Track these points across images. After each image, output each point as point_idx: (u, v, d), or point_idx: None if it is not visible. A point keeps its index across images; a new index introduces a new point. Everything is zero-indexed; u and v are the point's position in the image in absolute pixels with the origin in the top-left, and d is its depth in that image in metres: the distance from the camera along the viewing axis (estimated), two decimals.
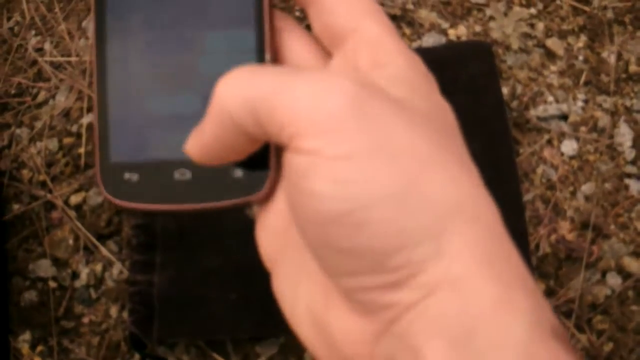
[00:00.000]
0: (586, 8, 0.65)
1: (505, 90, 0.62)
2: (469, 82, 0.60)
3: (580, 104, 0.62)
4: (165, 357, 0.54)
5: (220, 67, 0.27)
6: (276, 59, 0.27)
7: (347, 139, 0.21)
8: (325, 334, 0.24)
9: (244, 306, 0.54)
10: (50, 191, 0.60)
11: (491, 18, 0.65)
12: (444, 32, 0.64)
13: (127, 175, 0.27)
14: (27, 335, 0.56)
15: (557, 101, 0.62)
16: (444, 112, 0.24)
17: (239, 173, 0.26)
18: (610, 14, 0.65)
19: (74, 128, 0.62)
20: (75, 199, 0.60)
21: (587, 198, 0.59)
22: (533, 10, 0.65)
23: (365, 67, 0.25)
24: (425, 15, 0.65)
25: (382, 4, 0.65)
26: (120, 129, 0.27)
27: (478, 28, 0.65)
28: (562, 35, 0.64)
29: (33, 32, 0.66)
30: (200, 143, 0.24)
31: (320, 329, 0.24)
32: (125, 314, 0.56)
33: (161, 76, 0.28)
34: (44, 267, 0.58)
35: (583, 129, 0.61)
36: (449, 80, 0.61)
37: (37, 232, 0.59)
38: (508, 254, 0.22)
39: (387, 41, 0.25)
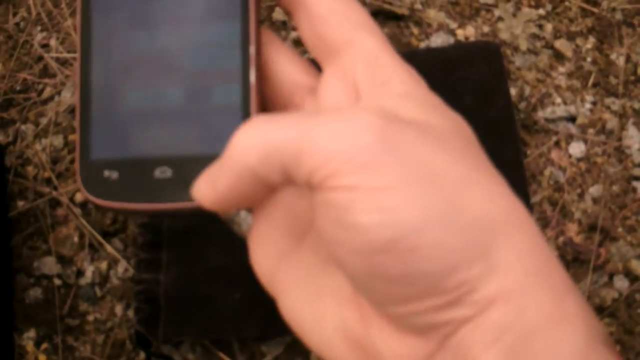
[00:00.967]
0: (595, 9, 0.65)
1: (513, 92, 0.61)
2: (477, 83, 0.60)
3: (588, 105, 0.62)
4: (171, 355, 0.54)
5: (204, 61, 0.27)
6: (260, 54, 0.27)
7: (384, 171, 0.21)
8: (367, 354, 0.23)
9: (250, 305, 0.53)
10: (55, 188, 0.60)
11: (499, 19, 0.65)
12: (452, 33, 0.64)
13: (106, 173, 0.26)
14: (31, 333, 0.55)
15: (565, 103, 0.62)
16: (460, 127, 0.24)
17: None
18: (619, 16, 0.65)
19: None
20: (80, 196, 0.59)
21: (595, 200, 0.59)
22: (542, 11, 0.65)
23: (365, 83, 0.25)
24: (434, 15, 0.65)
25: (390, 4, 0.65)
26: (101, 125, 0.27)
27: (486, 28, 0.64)
28: (571, 37, 0.64)
29: (39, 28, 0.66)
30: (214, 194, 0.24)
31: (358, 350, 0.23)
32: (130, 313, 0.55)
33: (143, 71, 0.27)
34: (49, 265, 0.57)
35: (591, 131, 0.61)
36: (457, 81, 0.61)
37: (42, 229, 0.58)
38: (554, 264, 0.22)
39: (384, 55, 0.25)
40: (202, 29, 0.27)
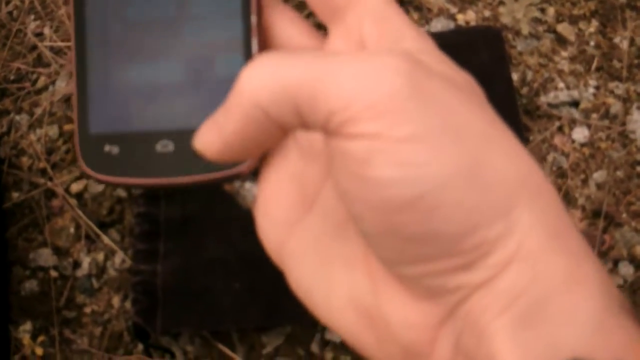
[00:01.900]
0: None
1: (515, 77, 0.60)
2: (479, 69, 0.58)
3: (591, 90, 0.61)
4: (169, 347, 0.53)
5: (204, 31, 0.26)
6: (261, 22, 0.26)
7: (409, 119, 0.19)
8: (377, 323, 0.22)
9: (249, 296, 0.53)
10: (50, 179, 0.59)
11: (501, 3, 0.64)
12: (452, 17, 0.63)
13: (107, 148, 0.26)
14: (28, 326, 0.54)
15: (568, 87, 0.61)
16: (473, 85, 0.23)
17: None
18: None
19: None
20: (76, 187, 0.58)
21: (599, 186, 0.58)
22: None
23: (373, 40, 0.24)
24: (434, 0, 0.64)
25: None
26: (100, 99, 0.26)
27: (487, 13, 0.63)
28: (573, 21, 0.63)
29: (32, 16, 0.65)
30: (220, 140, 0.22)
31: (369, 319, 0.23)
32: (128, 304, 0.55)
33: (142, 42, 0.26)
34: (45, 256, 0.56)
35: (594, 115, 0.60)
36: (458, 66, 0.60)
37: (38, 220, 0.58)
38: (571, 227, 0.21)
39: (391, 13, 0.24)
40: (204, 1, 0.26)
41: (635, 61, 0.62)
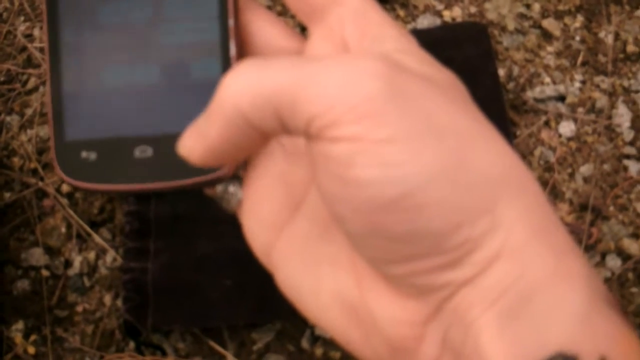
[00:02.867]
0: None
1: (501, 72, 0.61)
2: (465, 64, 0.59)
3: (577, 84, 0.61)
4: (161, 344, 0.54)
5: (180, 35, 0.26)
6: (238, 24, 0.26)
7: (389, 121, 0.20)
8: (363, 320, 0.23)
9: (239, 292, 0.53)
10: (41, 179, 0.59)
11: None
12: (438, 14, 0.64)
13: (84, 154, 0.26)
14: (20, 325, 0.55)
15: (554, 82, 0.61)
16: (455, 82, 0.23)
17: None
18: None
19: None
20: (67, 187, 0.59)
21: (586, 180, 0.58)
22: None
23: (354, 40, 0.24)
24: None
25: None
26: (76, 104, 0.26)
27: (473, 9, 0.64)
28: (559, 16, 0.64)
29: (22, 18, 0.65)
30: (203, 146, 0.22)
31: (354, 316, 0.23)
32: (119, 302, 0.55)
33: (117, 46, 0.26)
34: (37, 256, 0.57)
35: (581, 110, 0.60)
36: (444, 62, 0.60)
37: (29, 220, 0.58)
38: (556, 222, 0.21)
39: (372, 12, 0.24)
40: (176, 1, 0.26)
41: (621, 55, 0.62)
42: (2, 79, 0.63)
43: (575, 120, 0.60)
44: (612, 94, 0.61)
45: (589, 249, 0.56)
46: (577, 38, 0.63)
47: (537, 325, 0.19)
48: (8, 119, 0.62)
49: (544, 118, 0.60)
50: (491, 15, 0.63)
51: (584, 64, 0.62)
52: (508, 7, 0.63)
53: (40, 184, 0.59)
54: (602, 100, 0.60)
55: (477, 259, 0.20)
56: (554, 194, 0.58)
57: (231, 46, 0.26)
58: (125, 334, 0.54)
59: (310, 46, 0.26)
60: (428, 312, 0.21)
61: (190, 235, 0.55)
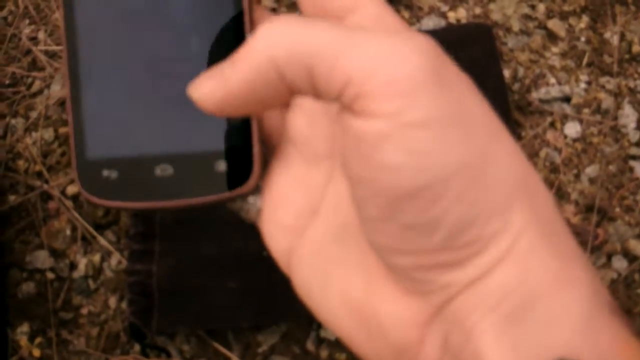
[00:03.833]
0: None
1: (506, 73, 0.61)
2: (470, 65, 0.58)
3: (583, 85, 0.61)
4: (165, 347, 0.54)
5: (202, 52, 0.25)
6: None
7: (426, 103, 0.19)
8: (368, 321, 0.23)
9: (244, 295, 0.53)
10: (46, 181, 0.59)
11: (491, 0, 0.64)
12: (443, 15, 0.64)
13: (105, 172, 0.26)
14: (25, 327, 0.55)
15: (559, 83, 0.61)
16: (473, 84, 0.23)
17: (222, 166, 0.25)
18: None
19: None
20: (72, 189, 0.59)
21: (592, 181, 0.58)
22: None
23: None
24: None
25: None
26: (97, 123, 0.26)
27: (478, 10, 0.64)
28: (564, 16, 0.63)
29: (27, 21, 0.65)
30: (223, 91, 0.21)
31: (360, 317, 0.23)
32: (124, 305, 0.55)
33: (138, 65, 0.26)
34: (42, 259, 0.57)
35: (586, 110, 0.60)
36: None
37: (34, 223, 0.58)
38: (564, 228, 0.21)
39: (390, 18, 0.24)
40: (198, 17, 0.26)
41: (626, 56, 0.62)
42: (7, 82, 0.63)
43: (580, 121, 0.60)
44: (617, 95, 0.60)
45: (595, 250, 0.56)
46: (583, 39, 0.63)
47: (537, 332, 0.19)
48: (13, 121, 0.62)
49: (549, 119, 0.60)
50: (496, 16, 0.63)
51: (589, 64, 0.62)
52: (513, 8, 0.63)
53: (45, 186, 0.59)
54: (607, 101, 0.60)
55: (483, 260, 0.20)
56: (560, 195, 0.57)
57: None
58: (130, 336, 0.54)
59: None
60: (430, 313, 0.21)
61: (195, 237, 0.55)
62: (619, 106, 0.60)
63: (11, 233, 0.58)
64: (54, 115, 0.62)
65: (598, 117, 0.60)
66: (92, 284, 0.56)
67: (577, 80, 0.61)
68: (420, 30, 0.62)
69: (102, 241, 0.57)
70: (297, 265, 0.25)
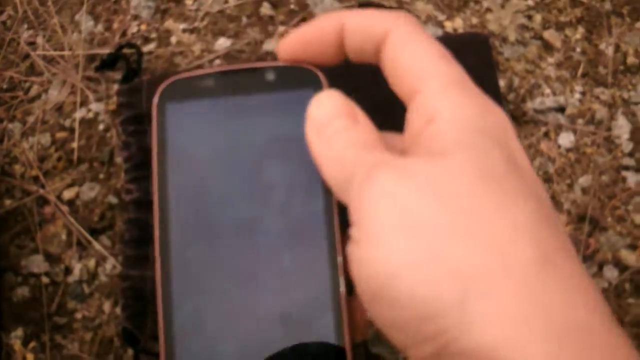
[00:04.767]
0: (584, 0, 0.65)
1: (502, 83, 0.61)
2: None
3: (577, 96, 0.61)
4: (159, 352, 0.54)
5: (294, 258, 0.26)
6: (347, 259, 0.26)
7: (361, 215, 0.23)
8: None
9: None
10: (42, 186, 0.59)
11: (488, 10, 0.64)
12: (440, 25, 0.64)
13: None
14: (19, 332, 0.55)
15: (554, 93, 0.61)
16: (503, 126, 0.24)
17: None
18: (608, 6, 0.65)
19: (67, 122, 0.62)
20: (68, 194, 0.59)
21: (584, 191, 0.58)
22: (530, 2, 0.65)
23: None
24: (422, 7, 0.65)
25: None
26: (188, 338, 0.25)
27: (475, 20, 0.64)
28: (560, 27, 0.64)
29: (25, 25, 0.66)
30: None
31: None
32: (118, 310, 0.55)
33: (231, 268, 0.25)
34: (37, 263, 0.57)
35: (580, 121, 0.60)
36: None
37: (30, 227, 0.58)
38: (554, 304, 0.20)
39: (469, 83, 0.26)
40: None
41: (621, 67, 0.62)
42: (4, 86, 0.63)
43: (574, 131, 0.60)
44: (611, 106, 0.61)
45: (586, 259, 0.56)
46: (578, 49, 0.63)
47: None
48: (10, 126, 0.62)
49: (543, 129, 0.60)
50: (492, 26, 0.64)
51: (584, 75, 0.62)
52: (509, 19, 0.64)
53: (41, 191, 0.59)
54: (601, 112, 0.60)
55: (453, 353, 0.20)
56: (553, 204, 0.58)
57: (341, 284, 0.26)
58: (124, 341, 0.54)
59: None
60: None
61: None
62: (612, 117, 0.60)
63: (6, 237, 0.58)
64: (51, 120, 0.62)
65: (592, 128, 0.60)
66: (86, 288, 0.56)
67: (572, 91, 0.61)
68: None
69: (97, 246, 0.57)
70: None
